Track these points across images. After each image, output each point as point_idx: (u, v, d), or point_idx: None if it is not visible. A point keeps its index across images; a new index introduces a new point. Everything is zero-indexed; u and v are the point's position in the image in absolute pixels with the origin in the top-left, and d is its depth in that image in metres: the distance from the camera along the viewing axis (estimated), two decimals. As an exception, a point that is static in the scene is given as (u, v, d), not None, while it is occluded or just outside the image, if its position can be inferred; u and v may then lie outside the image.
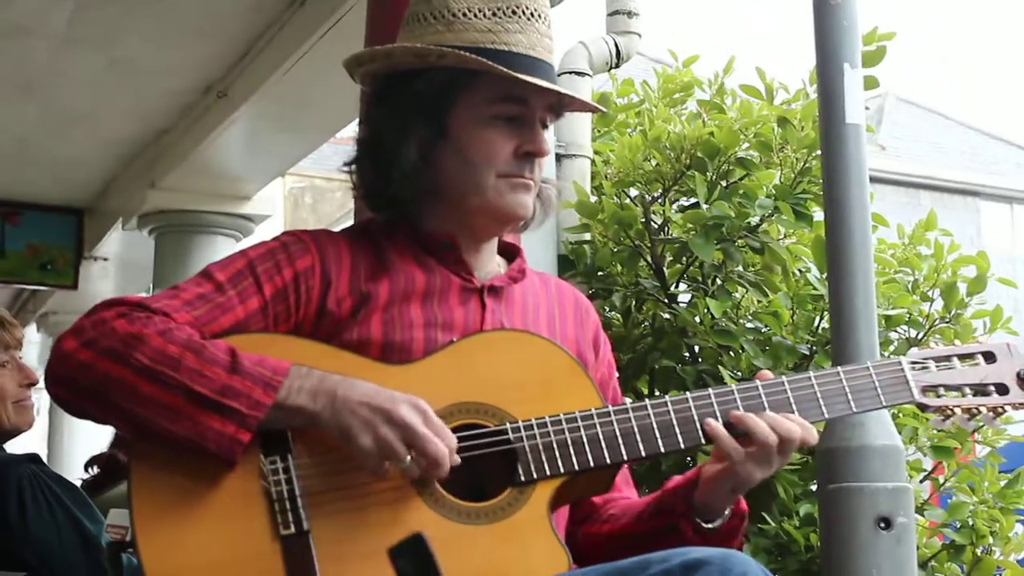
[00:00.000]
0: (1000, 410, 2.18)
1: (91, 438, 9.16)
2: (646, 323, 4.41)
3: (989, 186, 24.80)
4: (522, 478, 2.02)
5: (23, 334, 3.86)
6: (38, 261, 8.76)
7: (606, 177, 4.59)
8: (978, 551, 4.07)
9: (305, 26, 5.41)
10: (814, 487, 3.82)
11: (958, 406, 2.17)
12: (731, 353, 4.14)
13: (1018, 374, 2.19)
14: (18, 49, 5.93)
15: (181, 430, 1.94)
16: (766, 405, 2.09)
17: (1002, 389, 2.19)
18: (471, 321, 2.17)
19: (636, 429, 2.07)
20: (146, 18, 5.61)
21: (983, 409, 2.17)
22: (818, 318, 4.16)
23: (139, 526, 1.96)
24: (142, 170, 7.51)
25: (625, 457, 2.07)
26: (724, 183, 4.30)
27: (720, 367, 4.05)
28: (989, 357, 2.21)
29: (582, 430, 2.06)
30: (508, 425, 2.04)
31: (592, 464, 2.05)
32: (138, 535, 1.95)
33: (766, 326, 4.19)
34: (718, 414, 2.08)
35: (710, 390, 2.11)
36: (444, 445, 1.95)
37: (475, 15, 2.17)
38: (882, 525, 3.08)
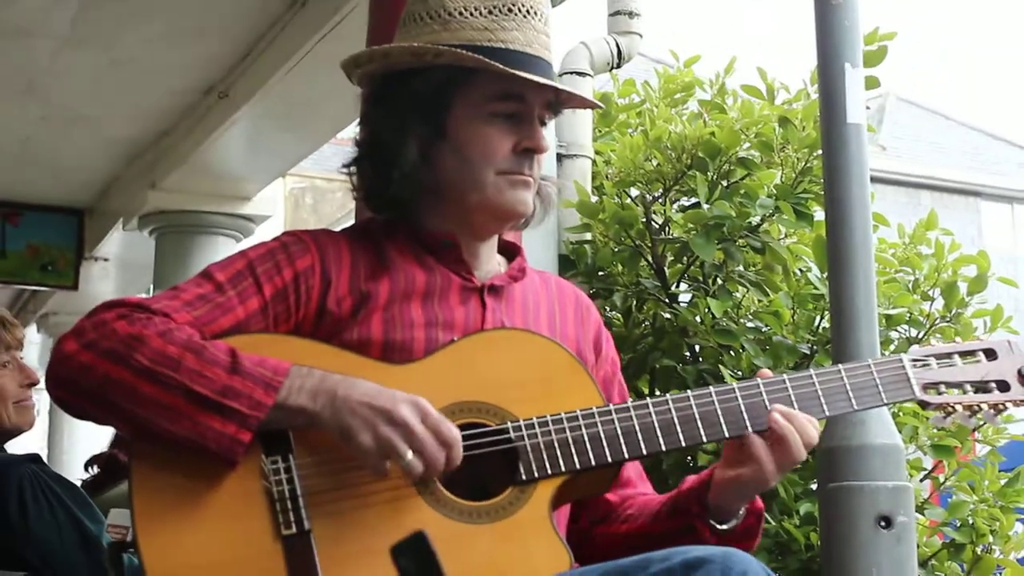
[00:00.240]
0: (1001, 407, 2.18)
1: (91, 438, 9.17)
2: (647, 323, 4.41)
3: (990, 186, 24.79)
4: (523, 477, 2.02)
5: (24, 334, 3.86)
6: (38, 261, 8.76)
7: (607, 177, 4.60)
8: (978, 550, 4.07)
9: (306, 27, 5.42)
10: (814, 486, 3.82)
11: (959, 403, 2.17)
12: (732, 353, 4.14)
13: (1019, 371, 2.19)
14: (20, 49, 5.93)
15: (181, 431, 1.94)
16: (767, 403, 2.09)
17: (1003, 386, 2.19)
18: (472, 320, 2.17)
19: (637, 427, 2.07)
20: (148, 19, 5.62)
21: (984, 406, 2.17)
22: (819, 318, 4.16)
23: (140, 526, 1.96)
24: (143, 170, 7.52)
25: (626, 456, 2.07)
26: (725, 183, 4.30)
27: (721, 367, 4.05)
28: (990, 354, 2.21)
29: (583, 429, 2.06)
30: (509, 424, 2.04)
31: (593, 463, 2.05)
32: (139, 535, 1.95)
33: (767, 326, 4.19)
34: (719, 412, 2.08)
35: (711, 388, 2.11)
36: (443, 447, 1.95)
37: (471, 13, 2.17)
38: (882, 524, 3.08)
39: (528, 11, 2.18)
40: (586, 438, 2.06)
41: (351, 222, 2.46)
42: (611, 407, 2.08)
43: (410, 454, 1.94)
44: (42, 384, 3.00)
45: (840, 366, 2.16)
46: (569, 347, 2.17)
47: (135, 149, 7.42)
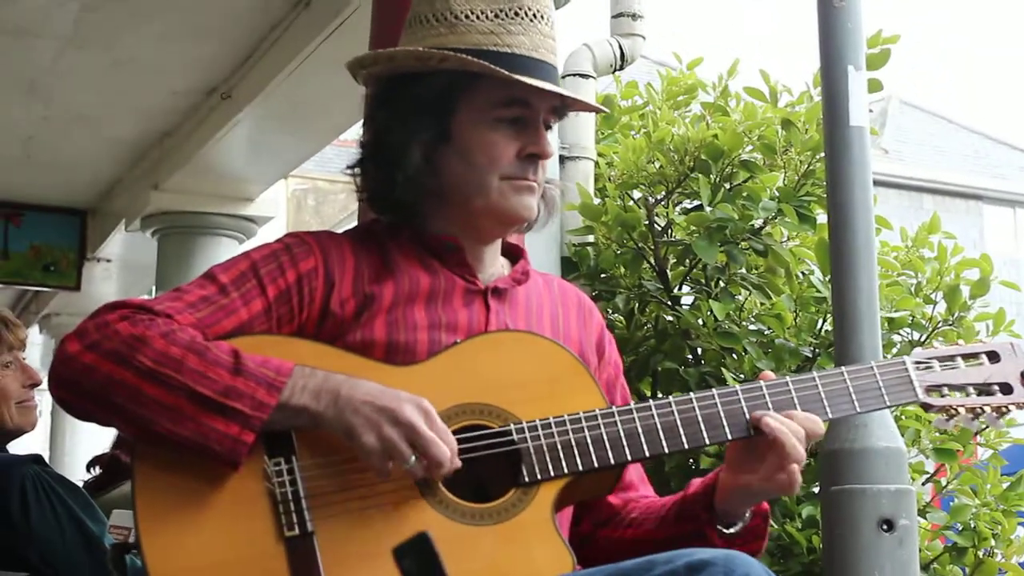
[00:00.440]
0: (1004, 409, 2.18)
1: (93, 440, 9.18)
2: (649, 325, 4.41)
3: (992, 190, 24.79)
4: (526, 479, 2.02)
5: (26, 335, 3.86)
6: (41, 262, 8.77)
7: (610, 179, 4.60)
8: (980, 553, 4.07)
9: (309, 28, 5.42)
10: (816, 489, 3.82)
11: (962, 406, 2.17)
12: (734, 355, 4.14)
13: (1022, 373, 2.19)
14: (22, 50, 5.94)
15: (184, 431, 1.94)
16: (770, 405, 2.09)
17: (1006, 388, 2.19)
18: (475, 323, 2.17)
19: (640, 430, 2.07)
20: (150, 19, 5.62)
21: (987, 409, 2.17)
22: (821, 320, 4.16)
23: (143, 527, 1.96)
24: (146, 171, 7.53)
25: (629, 458, 2.06)
26: (728, 185, 4.30)
27: (723, 369, 4.05)
28: (993, 357, 2.21)
29: (586, 431, 2.06)
30: (512, 426, 2.04)
31: (596, 465, 2.05)
32: (142, 536, 1.95)
33: (769, 328, 4.19)
34: (722, 415, 2.08)
35: (714, 391, 2.10)
36: (447, 446, 1.95)
37: (477, 17, 2.16)
38: (884, 527, 3.08)
39: (535, 15, 2.18)
40: (589, 440, 2.05)
41: (354, 224, 2.46)
42: (614, 409, 2.08)
43: (413, 457, 1.94)
44: (44, 385, 3.00)
45: (843, 368, 2.16)
46: (572, 349, 2.17)
47: (137, 150, 7.43)
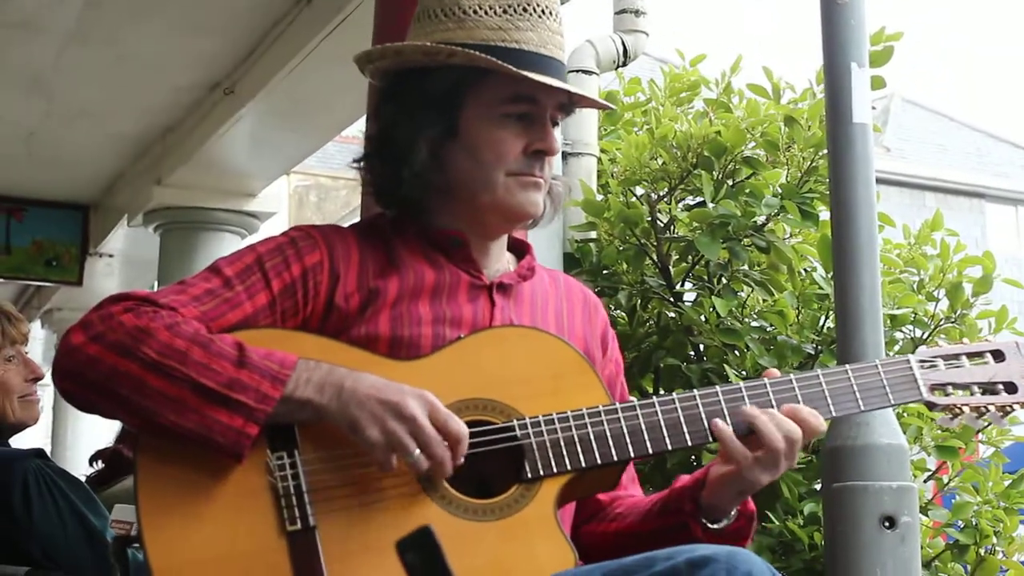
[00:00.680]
0: (1009, 409, 2.18)
1: (94, 433, 9.20)
2: (651, 321, 4.41)
3: (994, 188, 24.77)
4: (529, 475, 2.02)
5: (29, 329, 3.87)
6: (43, 257, 8.78)
7: (612, 175, 4.60)
8: (982, 551, 4.07)
9: (312, 23, 5.42)
10: (818, 486, 3.83)
11: (966, 404, 2.16)
12: (736, 352, 4.15)
13: (1027, 373, 2.19)
14: (25, 45, 5.94)
15: (188, 424, 1.94)
16: (774, 403, 2.09)
17: (1011, 388, 2.18)
18: (480, 318, 2.17)
19: (644, 427, 2.07)
20: (153, 15, 5.62)
21: (991, 408, 2.17)
22: (823, 317, 4.16)
23: (145, 521, 1.95)
24: (148, 167, 7.53)
25: (632, 455, 2.06)
26: (730, 182, 4.30)
27: (725, 366, 4.05)
28: (998, 355, 2.20)
29: (589, 427, 2.06)
30: (515, 422, 2.04)
31: (599, 462, 2.04)
32: (144, 530, 1.95)
33: (771, 325, 4.19)
34: (726, 412, 2.08)
35: (718, 387, 2.10)
36: (447, 447, 1.95)
37: (486, 12, 2.16)
38: (886, 524, 3.08)
39: (543, 11, 2.18)
40: (592, 437, 2.05)
41: (355, 220, 2.45)
42: (617, 406, 2.08)
43: (417, 451, 1.94)
44: (46, 380, 3.00)
45: (847, 366, 2.16)
46: (576, 345, 2.17)
47: (140, 145, 7.43)
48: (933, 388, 2.16)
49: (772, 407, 2.08)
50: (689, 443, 2.08)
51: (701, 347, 4.28)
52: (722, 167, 4.27)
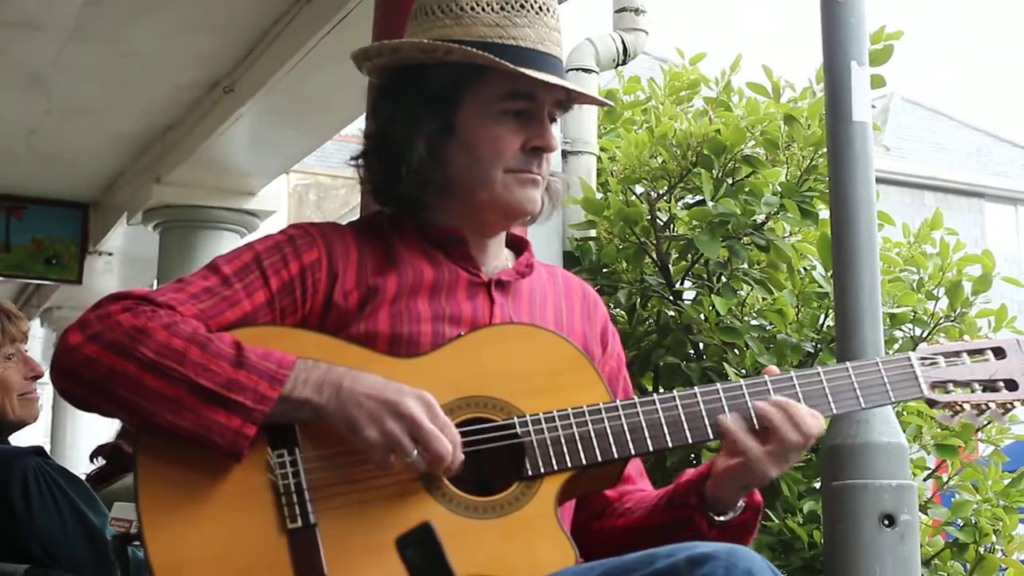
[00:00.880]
0: (1009, 406, 2.18)
1: (94, 432, 9.20)
2: (651, 320, 4.41)
3: (994, 187, 24.77)
4: (529, 472, 2.02)
5: (28, 327, 3.86)
6: (43, 255, 8.78)
7: (612, 174, 4.60)
8: (981, 549, 4.07)
9: (312, 22, 5.42)
10: (818, 484, 3.83)
11: (967, 402, 2.16)
12: (736, 350, 4.15)
13: (1028, 370, 2.19)
14: (26, 42, 5.94)
15: (186, 424, 1.94)
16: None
17: (1011, 385, 2.18)
18: (479, 315, 2.17)
19: (644, 424, 2.07)
20: (153, 13, 5.63)
21: (992, 405, 2.17)
22: (823, 316, 4.16)
23: (145, 519, 1.95)
24: (148, 165, 7.53)
25: (633, 452, 2.06)
26: (730, 180, 4.30)
27: (725, 364, 4.05)
28: (999, 353, 2.20)
29: (590, 425, 2.05)
30: (515, 419, 2.04)
31: (600, 459, 2.04)
32: (144, 528, 1.95)
33: (771, 323, 4.19)
34: (726, 409, 2.08)
35: (718, 385, 2.10)
36: (448, 441, 1.95)
37: (483, 9, 2.16)
38: (886, 522, 3.08)
39: (540, 8, 2.18)
40: (592, 434, 2.05)
41: (355, 218, 2.45)
42: (617, 403, 2.08)
43: (415, 451, 1.94)
44: (46, 378, 3.00)
45: (848, 364, 2.16)
46: (576, 342, 2.17)
47: (140, 143, 7.43)
48: (934, 385, 2.16)
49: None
50: (690, 440, 2.08)
51: (701, 345, 4.28)
52: (722, 166, 4.27)
